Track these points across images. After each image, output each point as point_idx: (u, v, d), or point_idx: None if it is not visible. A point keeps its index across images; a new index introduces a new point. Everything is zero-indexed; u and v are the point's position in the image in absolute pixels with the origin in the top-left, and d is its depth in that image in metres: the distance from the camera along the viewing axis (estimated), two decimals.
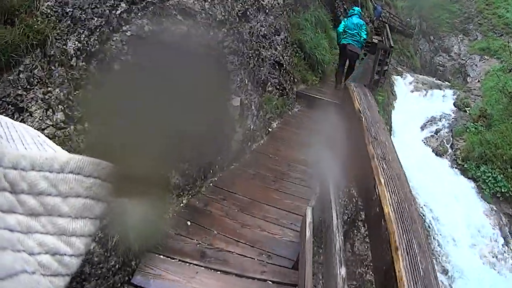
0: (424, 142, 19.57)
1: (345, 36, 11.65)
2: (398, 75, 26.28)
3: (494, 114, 18.87)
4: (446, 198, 14.93)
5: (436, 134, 20.15)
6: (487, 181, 15.40)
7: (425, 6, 41.78)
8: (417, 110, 22.57)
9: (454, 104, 24.18)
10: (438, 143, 19.19)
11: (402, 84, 25.64)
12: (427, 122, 21.59)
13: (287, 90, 9.81)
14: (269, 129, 8.60)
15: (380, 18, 29.63)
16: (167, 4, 5.13)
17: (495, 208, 14.81)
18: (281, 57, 9.62)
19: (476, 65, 33.64)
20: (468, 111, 22.54)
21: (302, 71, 11.53)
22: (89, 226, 0.64)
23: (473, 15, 38.25)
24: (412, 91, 25.46)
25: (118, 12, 4.28)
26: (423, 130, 20.91)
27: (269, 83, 8.88)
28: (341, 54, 12.11)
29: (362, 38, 11.70)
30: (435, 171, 16.56)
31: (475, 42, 36.33)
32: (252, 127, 7.49)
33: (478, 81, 29.63)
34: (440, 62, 37.00)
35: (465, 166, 16.75)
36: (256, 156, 7.47)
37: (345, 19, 12.24)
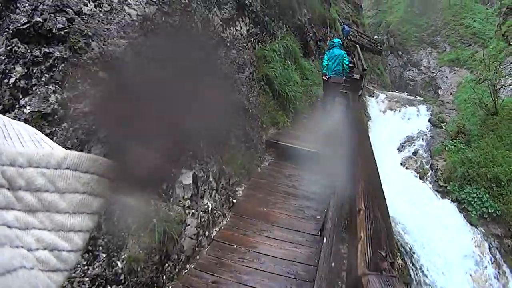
0: (403, 165, 19.14)
1: (328, 68, 12.40)
2: (370, 95, 26.01)
3: (472, 129, 18.40)
4: (430, 223, 14.31)
5: (415, 155, 19.82)
6: (472, 202, 14.85)
7: (392, 22, 42.28)
8: (392, 130, 22.40)
9: (429, 121, 24.01)
10: (418, 164, 18.80)
11: (375, 104, 25.50)
12: (404, 143, 21.34)
13: (254, 141, 8.36)
14: (233, 200, 6.82)
15: (349, 37, 29.53)
16: (85, 58, 3.83)
17: (483, 230, 14.25)
18: (246, 101, 8.32)
19: (446, 77, 34.13)
20: (444, 127, 22.34)
21: (271, 112, 10.19)
22: (87, 221, 0.65)
23: (440, 27, 39.03)
24: (385, 111, 25.29)
25: (12, 80, 3.11)
26: (400, 151, 20.61)
27: (232, 136, 7.36)
28: (325, 85, 12.92)
29: (345, 64, 12.51)
30: (417, 195, 16.03)
31: (444, 54, 36.92)
32: (210, 207, 5.82)
33: (451, 93, 30.08)
34: (410, 77, 37.55)
35: (448, 187, 16.18)
36: (216, 249, 5.64)
37: (327, 51, 12.97)
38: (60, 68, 3.52)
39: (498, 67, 20.50)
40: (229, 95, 7.38)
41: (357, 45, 25.32)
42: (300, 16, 14.83)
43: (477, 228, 14.39)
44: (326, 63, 12.50)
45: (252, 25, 10.06)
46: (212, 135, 6.21)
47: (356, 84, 11.80)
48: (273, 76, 10.40)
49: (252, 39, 10.14)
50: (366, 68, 14.52)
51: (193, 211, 5.26)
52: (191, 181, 5.20)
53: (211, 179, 5.89)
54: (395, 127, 23.07)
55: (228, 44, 8.18)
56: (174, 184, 4.90)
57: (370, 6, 55.91)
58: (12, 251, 0.51)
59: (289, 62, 12.09)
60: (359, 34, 34.17)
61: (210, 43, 7.35)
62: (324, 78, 12.79)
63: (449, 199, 15.85)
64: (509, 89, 21.85)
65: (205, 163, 5.76)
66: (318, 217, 6.67)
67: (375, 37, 40.81)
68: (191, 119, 4.54)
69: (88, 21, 3.87)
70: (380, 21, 48.82)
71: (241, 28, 9.18)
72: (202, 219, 5.52)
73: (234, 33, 8.64)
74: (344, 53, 12.78)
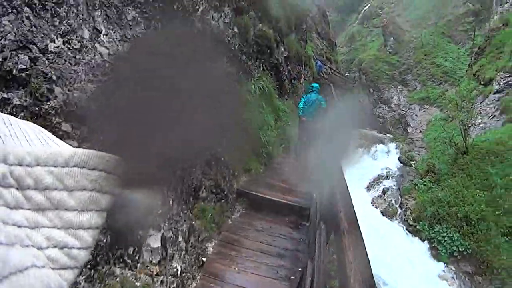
0: (372, 204, 19.20)
1: (304, 111, 12.68)
2: None
3: (442, 168, 18.58)
4: (400, 263, 14.37)
5: (384, 194, 19.94)
6: (442, 241, 14.92)
7: (365, 59, 42.68)
8: (361, 168, 22.36)
9: (399, 159, 24.19)
10: (387, 204, 18.88)
11: None
12: (373, 181, 21.54)
13: (225, 192, 7.96)
14: (203, 258, 6.37)
15: (321, 74, 29.72)
16: (46, 106, 3.42)
17: (453, 268, 14.32)
18: (218, 148, 7.72)
19: (416, 115, 34.51)
20: (414, 166, 22.51)
21: (243, 158, 9.97)
22: (96, 218, 0.66)
23: (411, 66, 39.49)
24: (354, 149, 25.38)
25: None
26: (369, 190, 20.72)
27: (203, 188, 6.99)
28: (301, 127, 12.91)
29: (322, 107, 12.62)
30: (386, 235, 16.11)
31: (414, 92, 37.34)
32: (179, 270, 5.45)
33: (420, 131, 30.42)
34: (380, 114, 37.65)
35: (417, 227, 16.28)
36: None
37: (305, 95, 13.35)
38: (19, 118, 3.19)
39: (470, 107, 20.82)
40: (200, 143, 6.78)
41: (331, 84, 25.44)
42: (277, 55, 14.79)
43: (447, 266, 14.46)
44: (302, 106, 12.81)
45: (228, 64, 9.83)
46: (183, 191, 6.03)
47: None
48: (246, 120, 10.07)
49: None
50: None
51: (162, 277, 4.92)
52: (159, 244, 4.91)
53: (180, 239, 5.62)
54: (364, 165, 23.16)
55: None
56: (141, 248, 4.60)
57: (344, 43, 57.01)
58: (22, 250, 0.53)
59: (263, 104, 12.09)
60: (332, 71, 34.58)
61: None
62: (300, 119, 12.94)
63: (419, 238, 15.93)
64: (479, 127, 22.28)
65: (175, 222, 5.51)
66: (292, 277, 6.46)
67: (347, 74, 41.34)
68: (162, 176, 4.25)
69: (54, 60, 3.49)
70: (353, 58, 49.45)
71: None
72: (171, 286, 5.23)
73: None
74: (322, 98, 13.12)
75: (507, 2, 35.26)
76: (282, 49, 15.94)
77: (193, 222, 6.22)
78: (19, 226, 0.54)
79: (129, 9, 4.63)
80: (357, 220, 4.29)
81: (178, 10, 5.97)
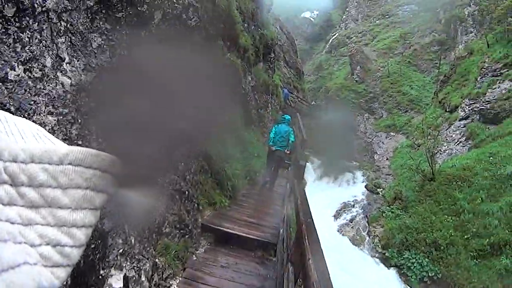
0: (340, 232, 19.15)
1: (274, 142, 12.95)
2: (306, 161, 25.96)
3: (410, 195, 18.78)
4: None
5: (351, 222, 19.91)
6: (412, 267, 14.95)
7: (332, 87, 43.38)
8: (328, 197, 22.46)
9: (365, 187, 24.33)
10: (354, 231, 18.84)
11: (311, 170, 25.49)
12: (340, 210, 21.50)
13: (189, 227, 7.54)
14: None
15: (288, 103, 29.83)
16: None
17: None
18: (182, 181, 7.49)
19: (382, 142, 35.16)
20: (381, 193, 22.65)
21: (208, 191, 9.49)
22: (89, 217, 0.66)
23: (378, 94, 40.34)
24: (321, 177, 25.39)
25: None
26: (336, 218, 20.64)
27: (166, 223, 6.61)
28: (270, 158, 13.22)
29: (290, 141, 13.07)
30: (355, 262, 16.04)
31: (380, 120, 38.11)
32: None
33: (387, 158, 31.09)
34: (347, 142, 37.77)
35: (386, 254, 16.30)
36: None
37: (276, 125, 13.63)
38: None
39: (436, 135, 21.07)
40: (164, 177, 6.76)
41: (297, 113, 25.51)
42: (244, 84, 14.68)
43: None
44: (273, 136, 13.06)
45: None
46: (146, 228, 5.76)
47: (299, 171, 11.87)
48: (213, 153, 10.02)
49: None
50: (306, 138, 14.65)
51: None
52: (121, 284, 4.61)
53: (143, 278, 5.29)
54: (331, 193, 23.28)
55: None
56: None
57: (312, 71, 57.93)
58: (15, 247, 0.53)
59: (229, 136, 11.87)
60: (299, 99, 34.79)
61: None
62: (269, 149, 13.22)
63: (388, 265, 15.94)
64: (445, 154, 22.66)
65: (137, 261, 5.20)
66: None
67: (313, 102, 41.60)
68: (121, 214, 4.41)
69: (13, 90, 3.19)
70: (320, 86, 50.25)
71: None
72: None
73: None
74: (291, 130, 13.41)
75: (471, 32, 36.23)
76: (250, 78, 15.88)
77: (156, 260, 5.95)
78: (12, 223, 0.56)
79: (95, 36, 4.41)
80: (322, 252, 4.23)
81: (146, 37, 5.87)
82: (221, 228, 8.49)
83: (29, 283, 0.52)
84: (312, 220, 5.60)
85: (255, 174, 13.65)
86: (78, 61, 4.10)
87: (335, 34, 64.28)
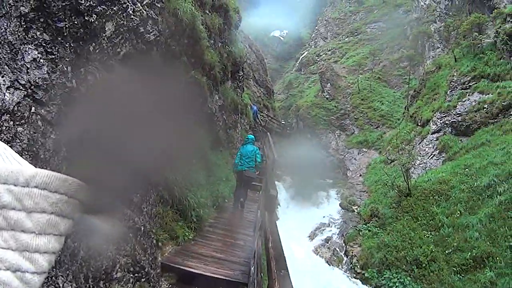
0: (316, 253, 18.63)
1: (242, 163, 12.98)
2: (277, 180, 25.39)
3: (386, 212, 18.49)
4: None
5: (327, 242, 19.48)
6: (393, 287, 14.48)
7: (302, 105, 43.42)
8: (302, 217, 22.20)
9: (340, 205, 24.10)
10: (331, 252, 18.36)
11: (283, 190, 25.21)
12: (315, 230, 21.16)
13: (146, 269, 6.42)
14: None
15: (257, 120, 29.62)
16: None
17: None
18: (137, 217, 6.44)
19: (355, 158, 35.34)
20: (356, 211, 22.38)
21: (169, 224, 8.52)
22: (53, 243, 0.63)
23: (349, 110, 40.63)
24: (293, 197, 25.08)
25: None
26: (312, 239, 20.23)
27: (117, 267, 5.57)
28: (239, 179, 13.20)
29: (257, 161, 13.18)
30: (333, 285, 15.51)
31: (352, 136, 38.36)
32: None
33: (360, 175, 31.03)
34: (319, 159, 37.92)
35: (365, 274, 15.75)
36: None
37: (241, 146, 13.73)
38: None
39: (411, 150, 20.98)
40: (114, 215, 5.24)
41: (268, 133, 25.21)
42: (211, 104, 13.96)
43: None
44: (239, 158, 13.14)
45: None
46: (88, 276, 4.74)
47: (272, 202, 11.43)
48: (174, 181, 9.07)
49: None
50: (277, 158, 14.28)
51: None
52: None
53: None
54: (305, 214, 23.03)
55: None
56: None
57: (282, 89, 58.15)
58: None
59: (194, 161, 11.12)
60: (269, 118, 34.57)
61: None
62: (237, 171, 13.24)
63: (368, 286, 15.39)
64: (420, 168, 22.59)
65: None
66: None
67: (283, 122, 41.51)
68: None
69: None
70: (291, 104, 50.43)
71: None
72: None
73: None
74: (257, 149, 13.58)
75: (438, 48, 36.85)
76: (217, 97, 15.23)
77: None
78: None
79: (29, 48, 3.71)
80: None
81: (95, 52, 5.15)
82: (184, 268, 7.57)
83: None
84: (287, 272, 5.10)
85: (224, 200, 13.10)
86: (2, 77, 3.41)
87: (304, 52, 65.22)
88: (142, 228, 6.62)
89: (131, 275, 5.99)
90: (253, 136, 14.20)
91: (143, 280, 6.31)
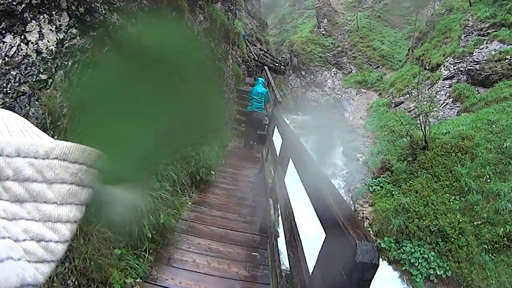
0: None
1: (251, 103, 13.01)
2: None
3: (400, 166, 15.86)
4: None
5: None
6: (416, 263, 11.94)
7: (297, 41, 42.40)
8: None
9: (342, 152, 21.67)
10: None
11: (278, 134, 22.94)
12: None
13: None
14: None
15: (253, 57, 27.87)
16: None
17: None
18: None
19: (353, 99, 34.22)
20: (360, 160, 19.89)
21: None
22: (75, 212, 0.65)
23: (346, 48, 39.58)
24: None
25: None
26: None
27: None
28: (248, 121, 13.42)
29: (267, 102, 13.24)
30: None
31: (350, 75, 37.25)
32: None
33: (360, 117, 29.71)
34: (313, 98, 37.55)
35: (382, 244, 12.95)
36: None
37: (252, 88, 13.67)
38: None
39: (434, 96, 18.57)
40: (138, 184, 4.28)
41: (265, 67, 22.70)
42: (191, 23, 9.52)
43: None
44: (250, 97, 13.19)
45: None
46: None
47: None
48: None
49: None
50: (280, 100, 11.91)
51: None
52: None
53: None
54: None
55: None
56: None
57: (274, 24, 57.06)
58: None
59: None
60: (263, 53, 32.54)
61: None
62: (247, 112, 13.37)
63: (385, 260, 12.68)
64: (431, 116, 19.71)
65: None
66: None
67: (278, 59, 39.46)
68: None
69: None
70: (283, 40, 49.64)
71: None
72: None
73: None
74: (267, 92, 13.40)
75: None
76: (201, 18, 11.14)
77: None
78: None
79: None
80: None
81: None
82: None
83: (12, 279, 0.51)
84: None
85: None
86: None
87: None
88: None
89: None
90: (262, 79, 14.18)
91: None
